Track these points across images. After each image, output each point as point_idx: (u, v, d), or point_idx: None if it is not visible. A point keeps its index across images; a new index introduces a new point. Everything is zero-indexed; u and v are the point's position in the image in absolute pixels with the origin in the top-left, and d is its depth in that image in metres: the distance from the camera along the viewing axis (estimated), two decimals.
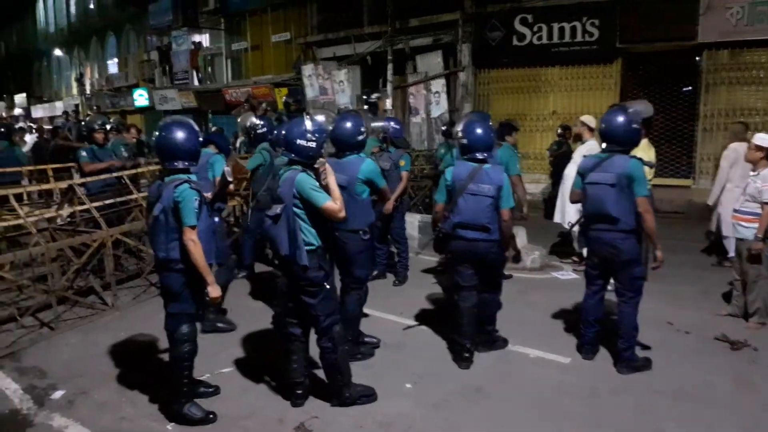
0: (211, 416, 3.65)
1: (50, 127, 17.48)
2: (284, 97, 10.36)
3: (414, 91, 13.69)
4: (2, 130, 8.22)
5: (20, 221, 5.59)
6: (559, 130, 10.40)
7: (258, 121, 6.45)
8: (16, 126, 15.85)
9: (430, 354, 4.63)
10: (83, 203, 5.95)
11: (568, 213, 6.54)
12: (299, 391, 3.79)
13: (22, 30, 38.87)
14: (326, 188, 3.51)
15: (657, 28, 10.54)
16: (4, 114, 38.03)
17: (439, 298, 5.98)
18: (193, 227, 3.38)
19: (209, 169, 4.91)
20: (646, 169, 4.20)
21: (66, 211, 6.18)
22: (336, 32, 15.38)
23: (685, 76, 10.97)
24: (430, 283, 6.50)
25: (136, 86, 23.38)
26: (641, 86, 11.45)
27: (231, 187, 4.61)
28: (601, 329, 4.45)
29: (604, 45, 11.30)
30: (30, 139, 14.26)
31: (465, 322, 4.40)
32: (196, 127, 3.65)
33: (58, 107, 31.30)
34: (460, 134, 4.48)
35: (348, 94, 14.59)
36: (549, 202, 9.83)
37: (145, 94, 22.55)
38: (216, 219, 4.91)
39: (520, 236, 4.75)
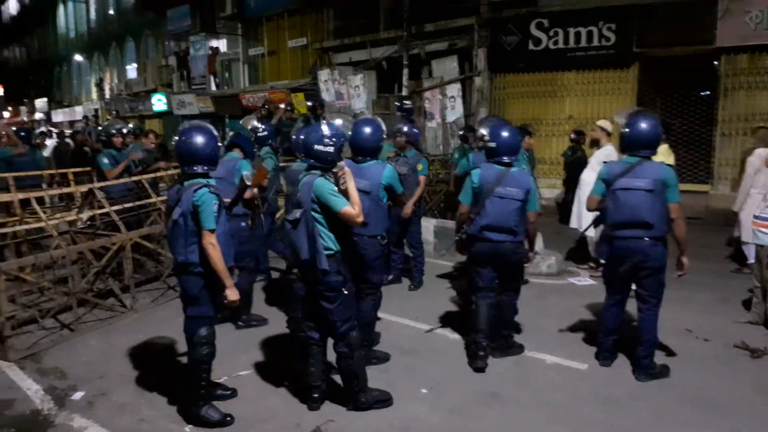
0: (229, 419, 3.67)
1: (70, 131, 17.77)
2: (309, 102, 10.41)
3: (429, 95, 13.70)
4: (23, 134, 8.36)
5: (42, 224, 5.67)
6: (573, 135, 10.27)
7: (259, 125, 6.47)
8: (38, 131, 16.07)
9: (446, 359, 4.63)
10: (103, 207, 6.02)
11: (585, 218, 6.49)
12: (316, 395, 3.81)
13: (43, 36, 39.45)
14: (345, 193, 3.53)
15: (674, 33, 10.46)
16: (25, 118, 38.74)
17: (455, 303, 5.98)
18: (212, 231, 3.42)
19: (236, 175, 4.93)
20: None
21: (86, 214, 6.27)
22: (352, 37, 15.45)
23: (702, 80, 10.86)
24: (446, 288, 6.49)
25: (155, 91, 23.60)
26: (658, 91, 11.37)
27: (254, 191, 4.61)
28: (620, 337, 4.41)
29: (621, 49, 11.23)
30: (50, 143, 14.48)
31: (482, 321, 4.42)
32: (216, 133, 3.68)
33: (78, 112, 31.71)
34: (486, 137, 4.51)
35: (363, 99, 14.65)
36: (563, 207, 9.78)
37: (164, 99, 22.74)
38: (243, 224, 4.99)
39: (536, 241, 4.75)
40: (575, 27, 11.64)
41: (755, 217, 5.10)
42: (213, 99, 20.08)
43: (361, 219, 3.49)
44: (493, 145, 4.39)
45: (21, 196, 6.10)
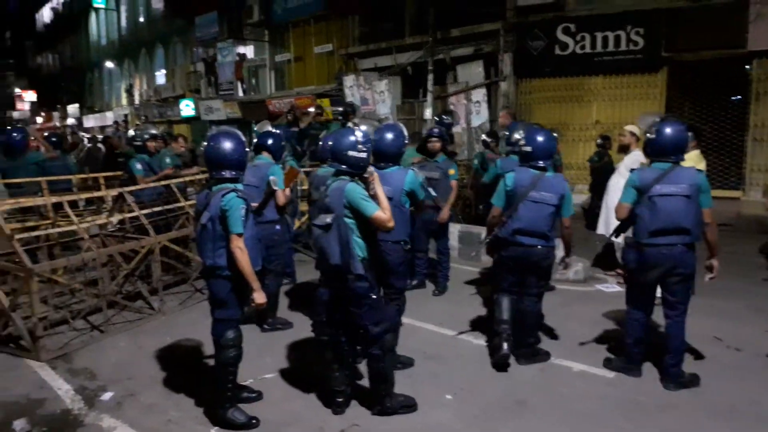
0: (254, 421, 3.69)
1: (101, 136, 18.14)
2: (341, 107, 10.51)
3: (454, 100, 13.68)
4: (54, 139, 8.56)
5: (74, 227, 5.79)
6: (599, 141, 10.17)
7: (273, 130, 6.50)
8: (71, 135, 16.48)
9: (471, 365, 4.60)
10: (132, 210, 6.14)
11: (612, 225, 6.40)
12: (340, 399, 3.82)
13: (75, 43, 40.42)
14: (374, 198, 3.53)
15: (704, 37, 10.30)
16: (57, 123, 39.63)
17: (479, 308, 5.94)
18: (240, 235, 3.46)
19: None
20: None
21: (116, 218, 6.40)
22: (377, 43, 15.54)
23: (733, 84, 10.68)
24: (470, 294, 6.46)
25: (183, 97, 23.97)
26: (687, 95, 11.20)
27: (287, 193, 4.63)
28: (647, 345, 4.34)
29: (650, 54, 11.09)
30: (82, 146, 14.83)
31: (503, 312, 4.44)
32: (243, 138, 3.74)
33: (109, 117, 32.41)
34: (522, 142, 4.50)
35: (388, 104, 14.68)
36: (590, 213, 9.67)
37: (192, 105, 23.08)
38: (277, 227, 5.06)
39: (561, 248, 4.72)
40: (603, 31, 11.54)
41: None
42: (240, 105, 20.33)
43: (392, 224, 3.50)
44: (528, 149, 4.39)
45: (54, 199, 6.23)
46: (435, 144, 6.19)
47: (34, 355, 4.77)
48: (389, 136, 4.27)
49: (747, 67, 10.38)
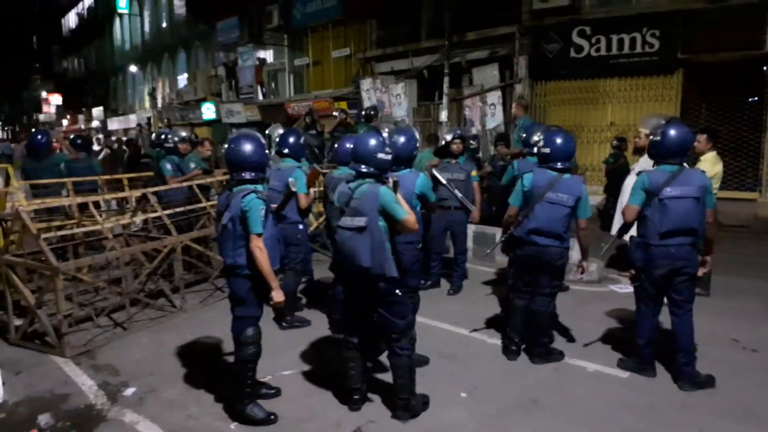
0: (273, 417, 3.76)
1: (125, 138, 18.48)
2: (363, 110, 10.51)
3: (470, 103, 13.72)
4: (79, 141, 8.72)
5: (98, 227, 5.92)
6: (615, 142, 10.15)
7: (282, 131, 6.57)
8: (97, 137, 16.81)
9: (485, 364, 4.65)
10: (155, 211, 6.27)
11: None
12: (356, 396, 3.88)
13: (100, 48, 41.06)
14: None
15: (720, 38, 10.22)
16: (83, 126, 40.29)
17: (493, 308, 5.98)
18: (259, 235, 3.54)
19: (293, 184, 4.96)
20: None
21: (140, 218, 6.53)
22: (394, 47, 15.62)
23: (750, 86, 10.57)
24: (485, 293, 6.50)
25: (204, 100, 24.20)
26: (703, 97, 11.11)
27: (309, 194, 4.70)
28: (657, 345, 4.35)
29: (665, 56, 11.03)
30: (99, 149, 15.14)
31: (517, 318, 4.55)
32: (263, 141, 3.83)
33: (132, 120, 32.89)
34: (541, 143, 4.56)
35: (404, 107, 14.78)
36: (604, 214, 9.65)
37: (213, 108, 23.30)
38: (300, 227, 5.18)
39: (577, 248, 4.72)
40: (618, 34, 11.49)
41: None
42: (260, 108, 20.54)
43: (417, 226, 3.57)
44: (546, 150, 4.44)
45: (80, 200, 6.37)
46: (458, 146, 6.27)
47: (59, 352, 4.89)
48: (402, 139, 4.32)
49: (765, 68, 10.28)
